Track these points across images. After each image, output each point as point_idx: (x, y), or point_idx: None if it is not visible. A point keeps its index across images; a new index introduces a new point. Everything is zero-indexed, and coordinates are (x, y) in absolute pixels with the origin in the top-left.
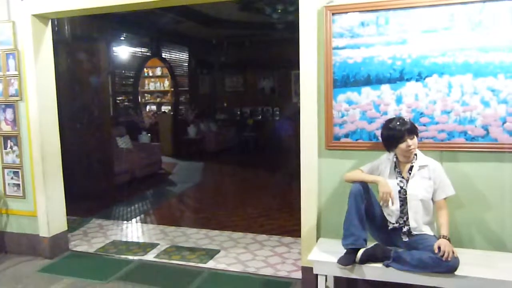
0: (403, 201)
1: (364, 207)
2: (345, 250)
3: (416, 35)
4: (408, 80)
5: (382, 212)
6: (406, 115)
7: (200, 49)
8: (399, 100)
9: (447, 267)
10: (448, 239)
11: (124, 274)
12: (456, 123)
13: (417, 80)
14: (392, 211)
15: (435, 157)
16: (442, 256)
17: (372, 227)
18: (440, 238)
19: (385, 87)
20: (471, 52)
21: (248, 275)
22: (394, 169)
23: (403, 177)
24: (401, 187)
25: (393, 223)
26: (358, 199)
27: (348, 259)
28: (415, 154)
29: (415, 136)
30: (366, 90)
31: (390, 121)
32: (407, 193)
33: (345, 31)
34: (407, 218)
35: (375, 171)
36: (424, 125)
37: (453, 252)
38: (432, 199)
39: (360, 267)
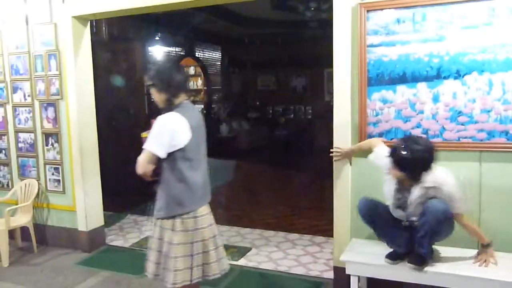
0: (405, 208)
1: (380, 222)
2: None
3: (454, 31)
4: (445, 78)
5: (392, 216)
6: (443, 114)
7: (233, 48)
8: (436, 99)
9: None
10: (487, 245)
11: None
12: (497, 122)
13: (455, 78)
14: (400, 216)
15: (473, 158)
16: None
17: (392, 232)
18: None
19: (421, 85)
20: None
21: (280, 273)
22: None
23: (403, 187)
24: (402, 195)
25: (405, 222)
26: (374, 219)
27: (395, 256)
28: None
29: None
30: (401, 88)
31: (410, 141)
32: (408, 203)
33: (380, 28)
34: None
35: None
36: (463, 124)
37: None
38: None
39: (395, 268)
